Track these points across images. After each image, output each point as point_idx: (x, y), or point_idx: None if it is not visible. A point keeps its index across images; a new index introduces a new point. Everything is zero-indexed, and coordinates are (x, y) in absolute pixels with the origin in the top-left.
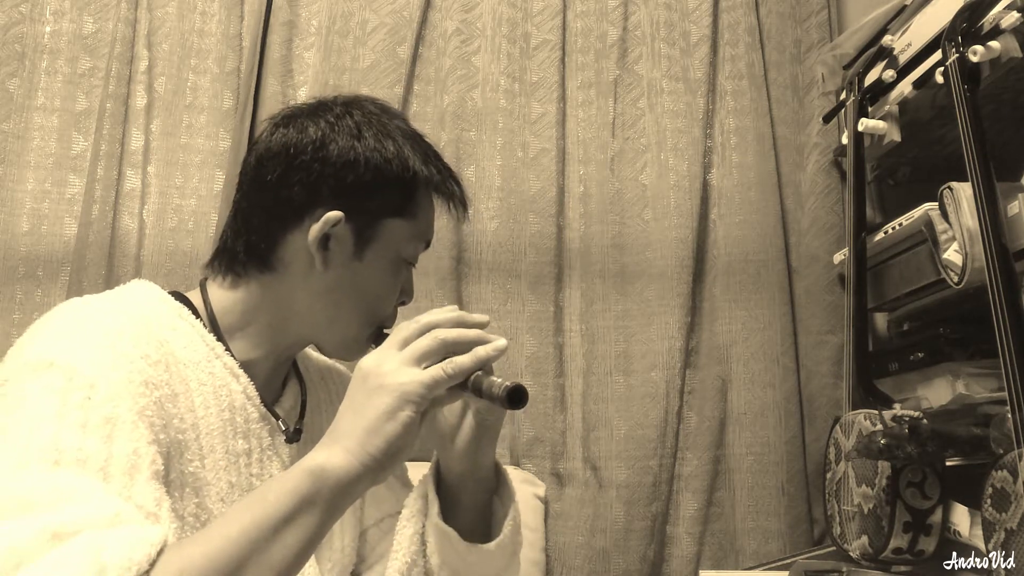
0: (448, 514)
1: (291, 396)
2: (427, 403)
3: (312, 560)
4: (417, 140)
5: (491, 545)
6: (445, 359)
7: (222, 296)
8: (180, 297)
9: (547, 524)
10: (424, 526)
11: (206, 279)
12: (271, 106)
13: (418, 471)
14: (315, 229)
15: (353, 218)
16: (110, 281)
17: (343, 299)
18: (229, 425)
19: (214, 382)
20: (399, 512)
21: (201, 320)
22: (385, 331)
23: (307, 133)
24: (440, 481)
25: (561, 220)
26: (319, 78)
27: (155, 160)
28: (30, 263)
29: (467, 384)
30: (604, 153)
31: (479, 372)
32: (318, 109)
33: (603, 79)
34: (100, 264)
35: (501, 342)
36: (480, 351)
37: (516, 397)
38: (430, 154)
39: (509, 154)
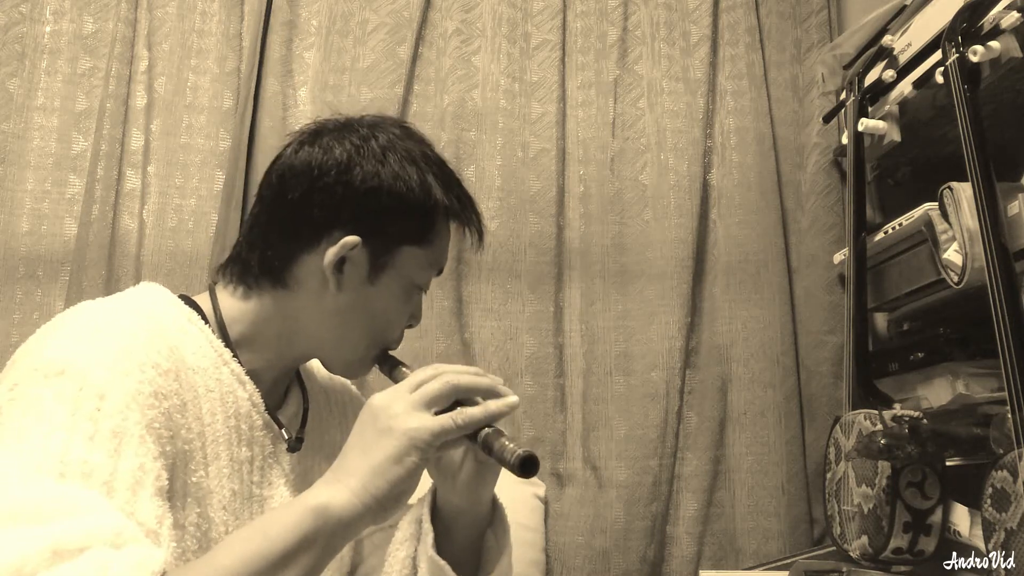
0: (440, 545)
1: (293, 404)
2: (433, 451)
3: None
4: (441, 167)
5: None
6: (455, 406)
7: (232, 305)
8: (189, 301)
9: (547, 524)
10: (416, 551)
11: (215, 284)
12: (271, 106)
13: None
14: (332, 252)
15: (370, 243)
16: (110, 281)
17: (352, 321)
18: (234, 432)
19: (221, 388)
20: (390, 526)
21: (210, 326)
22: (390, 353)
23: (332, 154)
24: (436, 511)
25: (561, 220)
26: (319, 78)
27: (155, 160)
28: (30, 263)
29: (477, 439)
30: (604, 153)
31: (490, 430)
32: (343, 129)
33: (603, 79)
34: (100, 264)
35: (512, 399)
36: (491, 406)
37: (528, 466)
38: (452, 182)
39: (509, 154)
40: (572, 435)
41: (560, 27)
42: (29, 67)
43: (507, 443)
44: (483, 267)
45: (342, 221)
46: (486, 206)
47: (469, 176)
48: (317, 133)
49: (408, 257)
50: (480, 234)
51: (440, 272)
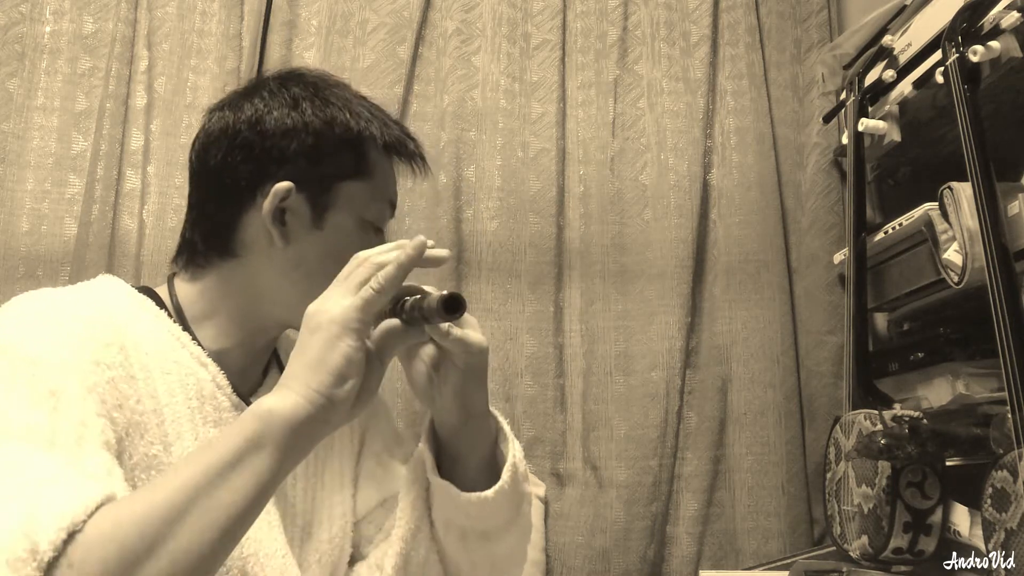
0: (451, 470)
1: (271, 385)
2: (367, 328)
3: (289, 555)
4: (360, 101)
5: (489, 493)
6: (397, 308)
7: (187, 289)
8: (147, 291)
9: (547, 524)
10: (428, 489)
11: (173, 275)
12: None
13: None
14: (267, 204)
15: (304, 187)
16: None
17: (311, 272)
18: (198, 413)
19: (180, 371)
20: (393, 496)
21: (166, 311)
22: None
23: (243, 111)
24: (438, 441)
25: (561, 220)
26: None
27: (155, 160)
28: (30, 263)
29: (413, 314)
30: (604, 153)
31: (417, 296)
32: (253, 88)
33: (603, 79)
34: (100, 264)
35: (419, 238)
36: (399, 253)
37: (451, 304)
38: (375, 112)
39: (509, 154)
40: (572, 435)
41: (560, 27)
42: (29, 67)
43: (432, 294)
44: (483, 267)
45: (269, 172)
46: (486, 206)
47: (469, 176)
48: (227, 100)
49: (349, 193)
50: (423, 158)
51: (393, 207)
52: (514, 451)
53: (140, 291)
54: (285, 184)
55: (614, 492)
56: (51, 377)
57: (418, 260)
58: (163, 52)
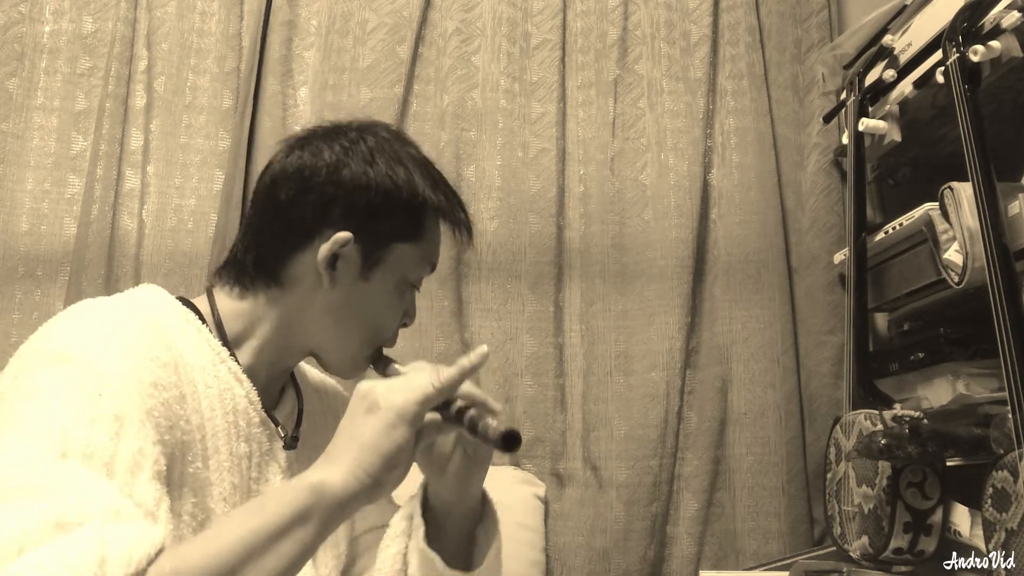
0: (432, 539)
1: (289, 404)
2: (421, 421)
3: (310, 564)
4: (427, 167)
5: (473, 573)
6: (446, 408)
7: (229, 305)
8: (187, 303)
9: (547, 524)
10: (407, 547)
11: (212, 287)
12: (271, 106)
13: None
14: (324, 249)
15: (362, 240)
16: (109, 281)
17: (347, 318)
18: (233, 428)
19: (219, 385)
20: (382, 526)
21: (207, 326)
22: (385, 352)
23: (322, 156)
24: (427, 506)
25: (561, 220)
26: (319, 78)
27: (155, 160)
28: (29, 263)
29: (463, 421)
30: (604, 153)
31: (475, 412)
32: (333, 133)
33: (603, 79)
34: (100, 264)
35: (482, 348)
36: (463, 360)
37: (510, 441)
38: (439, 181)
39: (509, 154)
40: (572, 435)
41: (560, 27)
42: (28, 67)
43: (491, 422)
44: (483, 267)
45: (333, 219)
46: (486, 206)
47: (469, 176)
48: (306, 139)
49: (400, 254)
50: (469, 231)
51: (433, 269)
52: (499, 536)
53: (180, 303)
54: (346, 234)
55: (614, 492)
56: (117, 400)
57: (479, 367)
58: (163, 52)
